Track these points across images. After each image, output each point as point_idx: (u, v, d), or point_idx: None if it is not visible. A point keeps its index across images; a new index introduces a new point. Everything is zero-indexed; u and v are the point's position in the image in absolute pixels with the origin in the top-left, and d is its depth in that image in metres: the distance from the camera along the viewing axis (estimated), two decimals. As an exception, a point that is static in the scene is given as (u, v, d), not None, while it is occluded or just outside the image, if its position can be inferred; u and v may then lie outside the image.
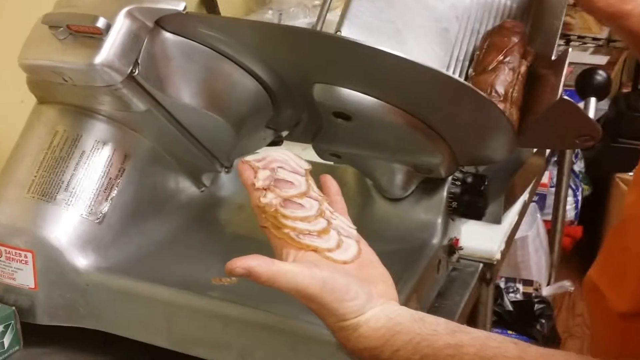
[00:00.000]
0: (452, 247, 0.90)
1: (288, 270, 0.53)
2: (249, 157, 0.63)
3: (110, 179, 0.78)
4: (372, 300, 0.54)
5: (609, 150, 2.22)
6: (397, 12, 0.80)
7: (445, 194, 0.86)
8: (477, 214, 0.87)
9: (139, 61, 0.71)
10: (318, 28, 0.86)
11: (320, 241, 0.58)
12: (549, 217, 2.05)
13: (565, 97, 0.67)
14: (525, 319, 1.49)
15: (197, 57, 0.76)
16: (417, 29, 0.81)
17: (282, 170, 0.62)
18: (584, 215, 2.18)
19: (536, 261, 1.75)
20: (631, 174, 2.15)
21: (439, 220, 0.86)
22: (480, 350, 0.48)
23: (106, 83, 0.71)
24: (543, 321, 1.46)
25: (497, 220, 1.03)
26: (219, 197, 0.96)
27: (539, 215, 1.94)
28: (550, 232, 1.94)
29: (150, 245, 0.82)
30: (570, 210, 2.10)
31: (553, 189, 2.01)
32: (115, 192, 0.79)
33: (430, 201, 0.86)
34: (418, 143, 0.77)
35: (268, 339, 0.69)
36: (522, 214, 1.15)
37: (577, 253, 2.31)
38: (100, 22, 0.68)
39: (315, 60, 0.74)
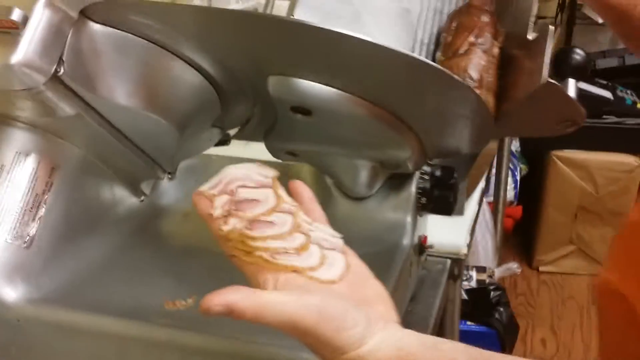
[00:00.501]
0: (422, 246, 0.83)
1: (276, 301, 0.44)
2: (203, 187, 0.54)
3: (36, 195, 0.68)
4: (371, 325, 0.46)
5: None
6: (354, -9, 0.72)
7: (414, 189, 0.79)
8: (447, 209, 0.80)
9: (64, 58, 0.61)
10: (267, 12, 0.77)
11: (300, 259, 0.50)
12: (489, 200, 2.03)
13: (552, 81, 0.61)
14: (482, 308, 1.46)
15: (130, 50, 0.66)
16: (377, 10, 0.73)
17: (243, 189, 0.54)
18: (522, 195, 2.18)
19: (484, 245, 1.73)
20: (568, 150, 2.16)
21: (409, 219, 0.79)
22: None
23: (26, 86, 0.60)
24: (501, 309, 1.42)
25: (460, 211, 0.97)
26: (161, 207, 0.86)
27: (484, 199, 1.92)
28: (493, 215, 1.92)
29: (88, 269, 0.72)
30: (509, 190, 2.09)
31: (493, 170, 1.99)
32: (43, 210, 0.68)
33: (398, 198, 0.79)
34: (386, 137, 0.70)
35: (237, 370, 0.61)
36: (480, 202, 1.09)
37: (517, 233, 2.31)
38: (16, 14, 0.57)
39: (268, 48, 0.65)
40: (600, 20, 2.35)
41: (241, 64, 0.68)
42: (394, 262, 0.74)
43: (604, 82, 2.14)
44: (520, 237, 2.35)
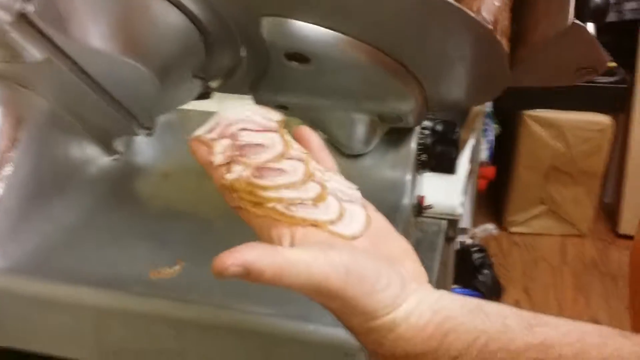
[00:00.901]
0: (420, 207, 0.78)
1: (298, 260, 0.38)
2: (199, 130, 0.47)
3: (1, 153, 0.60)
4: (405, 286, 0.40)
5: (516, 87, 2.18)
6: None
7: (414, 145, 0.73)
8: (449, 167, 0.75)
9: (32, -6, 0.53)
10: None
11: (318, 211, 0.43)
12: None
13: (578, 22, 0.55)
14: (466, 271, 1.42)
15: (107, -14, 0.58)
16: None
17: (245, 132, 0.47)
18: (496, 155, 2.15)
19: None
20: (540, 110, 2.13)
21: (408, 177, 0.73)
22: (579, 353, 0.36)
23: (-13, 25, 0.52)
24: (486, 271, 1.39)
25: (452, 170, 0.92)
26: (137, 166, 0.79)
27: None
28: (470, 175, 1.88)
29: (60, 233, 0.65)
30: (483, 150, 2.05)
31: (467, 130, 1.94)
32: (10, 169, 0.61)
33: (397, 155, 0.74)
34: (389, 86, 0.64)
35: (235, 344, 0.55)
36: (472, 160, 1.05)
37: (490, 194, 2.29)
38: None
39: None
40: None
41: (230, 2, 0.61)
42: (394, 224, 0.69)
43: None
44: (491, 198, 2.32)
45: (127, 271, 0.62)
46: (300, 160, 0.46)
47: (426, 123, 0.74)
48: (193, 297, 0.57)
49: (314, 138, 0.50)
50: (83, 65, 0.61)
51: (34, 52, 0.56)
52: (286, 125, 0.51)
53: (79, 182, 0.71)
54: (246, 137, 0.46)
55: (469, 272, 1.39)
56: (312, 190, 0.44)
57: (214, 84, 0.75)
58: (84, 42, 0.58)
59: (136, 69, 0.62)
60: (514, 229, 2.30)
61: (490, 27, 0.60)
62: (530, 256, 2.21)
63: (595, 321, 1.92)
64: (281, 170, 0.44)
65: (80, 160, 0.72)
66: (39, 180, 0.65)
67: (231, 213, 0.47)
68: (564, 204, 2.24)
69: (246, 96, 0.72)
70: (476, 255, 1.41)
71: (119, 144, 0.76)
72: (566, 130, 2.12)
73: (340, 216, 0.43)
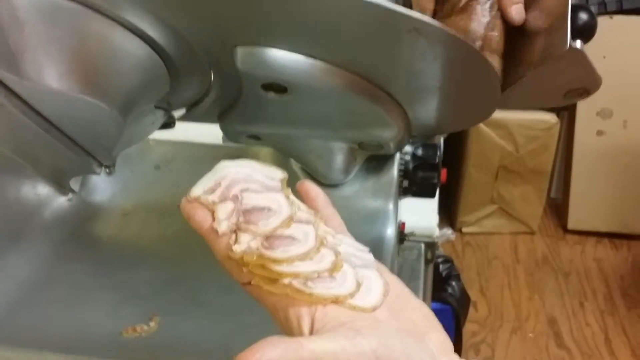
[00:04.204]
0: (402, 234, 0.74)
1: (325, 351, 0.34)
2: (195, 190, 0.42)
3: (-54, 208, 0.53)
4: None
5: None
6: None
7: (395, 172, 0.69)
8: (431, 192, 0.72)
9: (-23, 31, 0.46)
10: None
11: (336, 284, 0.39)
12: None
13: (576, 47, 0.52)
14: (434, 283, 1.39)
15: (61, 17, 0.52)
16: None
17: (248, 193, 0.42)
18: (445, 157, 2.14)
19: (418, 213, 1.67)
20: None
21: (391, 206, 0.69)
22: None
23: None
24: (453, 283, 1.37)
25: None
26: (94, 205, 0.72)
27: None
28: (423, 180, 1.86)
29: (18, 290, 0.59)
30: (434, 153, 2.04)
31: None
32: (-43, 226, 0.54)
33: (379, 183, 0.70)
34: (371, 114, 0.60)
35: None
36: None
37: (442, 196, 2.28)
38: None
39: (234, 12, 0.53)
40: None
41: (199, 33, 0.55)
42: (382, 260, 0.65)
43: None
44: (442, 199, 2.32)
45: (96, 330, 0.56)
46: (308, 223, 0.41)
47: (407, 148, 0.70)
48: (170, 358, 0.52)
49: (319, 194, 0.45)
50: (37, 107, 0.54)
51: (-19, 96, 0.50)
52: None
53: (34, 229, 0.65)
54: (251, 200, 0.41)
55: (437, 285, 1.37)
56: (326, 258, 0.39)
57: (178, 113, 0.70)
58: (39, 82, 0.51)
59: (96, 107, 0.56)
60: (466, 229, 2.30)
61: (478, 43, 0.57)
62: (484, 256, 2.22)
63: (552, 319, 1.94)
64: (291, 238, 0.40)
65: (33, 203, 0.66)
66: (-10, 233, 0.58)
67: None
68: (514, 203, 2.25)
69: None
70: (442, 267, 1.39)
71: (73, 183, 0.70)
72: (514, 129, 2.13)
73: (358, 286, 0.39)
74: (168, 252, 0.67)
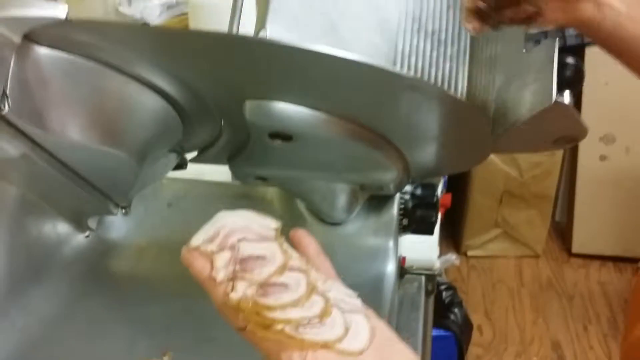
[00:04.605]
0: (402, 269, 0.78)
1: None
2: (195, 240, 0.45)
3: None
4: None
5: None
6: (329, 1, 0.65)
7: (395, 211, 0.73)
8: (429, 229, 0.75)
9: (7, 92, 0.50)
10: (234, 28, 0.68)
11: (326, 330, 0.42)
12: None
13: (562, 102, 0.56)
14: (436, 311, 1.42)
15: (82, 76, 0.56)
16: (354, 20, 0.66)
17: (245, 242, 0.45)
18: (450, 182, 2.17)
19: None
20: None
21: (391, 244, 0.73)
22: None
23: (-38, 128, 0.50)
24: (456, 310, 1.40)
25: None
26: (111, 243, 0.76)
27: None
28: (428, 206, 1.90)
29: (39, 327, 0.63)
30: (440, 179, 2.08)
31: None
32: (-16, 267, 0.58)
33: (379, 222, 0.73)
34: (372, 160, 0.64)
35: None
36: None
37: (448, 220, 2.31)
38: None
39: (242, 72, 0.57)
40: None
41: (211, 89, 0.60)
42: (382, 295, 0.69)
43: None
44: (448, 224, 2.35)
45: (113, 363, 0.60)
46: (300, 270, 0.45)
47: (406, 188, 0.74)
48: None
49: (311, 243, 0.49)
50: (60, 157, 0.58)
51: (10, 149, 0.54)
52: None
53: (54, 267, 0.68)
54: (247, 249, 0.45)
55: (439, 311, 1.40)
56: (316, 305, 0.43)
57: (188, 156, 0.74)
58: (62, 136, 0.56)
59: (115, 156, 0.60)
60: (470, 253, 2.32)
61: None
62: (489, 279, 2.24)
63: (556, 343, 1.96)
64: (284, 285, 0.43)
65: (53, 242, 0.70)
66: (14, 272, 0.62)
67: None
68: (518, 226, 2.28)
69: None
70: (445, 294, 1.42)
71: (91, 222, 0.74)
72: (517, 155, 2.16)
73: (346, 331, 0.42)
74: (179, 288, 0.70)
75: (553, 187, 2.22)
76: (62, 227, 0.71)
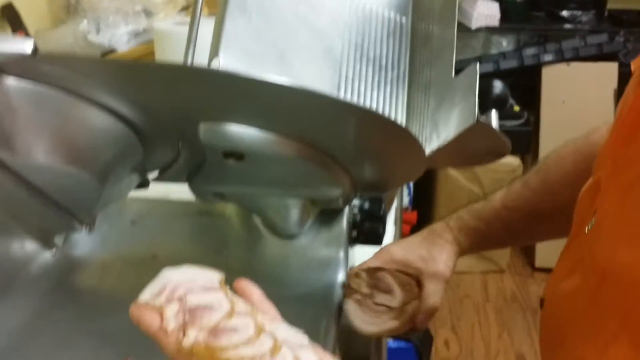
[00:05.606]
0: (353, 279, 0.83)
1: None
2: (142, 296, 0.49)
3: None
4: None
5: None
6: (278, 32, 0.70)
7: (345, 224, 0.78)
8: (377, 240, 0.80)
9: (-24, 118, 0.55)
10: (189, 59, 0.73)
11: None
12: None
13: (482, 122, 0.62)
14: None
15: (48, 103, 0.60)
16: (301, 49, 0.72)
17: (191, 294, 0.48)
18: (416, 200, 2.23)
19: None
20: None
21: (341, 254, 0.78)
22: None
23: None
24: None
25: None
26: (76, 259, 0.80)
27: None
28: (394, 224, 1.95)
29: (6, 339, 0.66)
30: (404, 197, 2.14)
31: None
32: (-45, 282, 0.62)
33: (330, 234, 0.79)
34: (319, 176, 0.69)
35: None
36: (398, 221, 1.11)
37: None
38: None
39: (196, 100, 0.62)
40: (473, 27, 2.46)
41: (168, 113, 0.65)
42: (332, 303, 0.73)
43: (484, 87, 2.23)
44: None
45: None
46: (247, 314, 0.48)
47: (355, 202, 0.79)
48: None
49: (254, 291, 0.52)
50: (27, 178, 0.63)
51: (-22, 171, 0.58)
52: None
53: (22, 282, 0.72)
54: (194, 300, 0.47)
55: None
56: (266, 343, 0.46)
57: (150, 176, 0.78)
58: (29, 158, 0.60)
59: (78, 176, 0.65)
60: (437, 269, 2.38)
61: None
62: (455, 295, 2.30)
63: (521, 356, 2.01)
64: (233, 329, 0.46)
65: (20, 259, 0.74)
66: (-17, 288, 0.66)
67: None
68: (483, 243, 2.35)
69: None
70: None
71: (57, 239, 0.78)
72: (480, 173, 2.23)
73: None
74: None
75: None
76: (29, 245, 0.75)
